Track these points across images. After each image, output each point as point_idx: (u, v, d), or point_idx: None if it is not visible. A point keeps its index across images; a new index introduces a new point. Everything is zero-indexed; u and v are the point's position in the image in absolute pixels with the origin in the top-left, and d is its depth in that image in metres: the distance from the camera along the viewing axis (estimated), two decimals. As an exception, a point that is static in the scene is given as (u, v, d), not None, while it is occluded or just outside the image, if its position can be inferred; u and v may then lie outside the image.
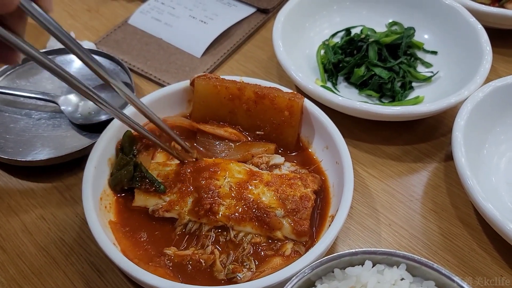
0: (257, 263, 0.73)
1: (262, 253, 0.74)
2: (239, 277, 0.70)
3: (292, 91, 0.87)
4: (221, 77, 0.89)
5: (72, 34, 1.16)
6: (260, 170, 0.81)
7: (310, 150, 0.89)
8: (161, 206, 0.77)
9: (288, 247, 0.73)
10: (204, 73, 0.89)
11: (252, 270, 0.71)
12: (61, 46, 1.06)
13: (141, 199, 0.78)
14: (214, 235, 0.76)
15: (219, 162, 0.81)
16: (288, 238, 0.75)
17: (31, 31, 1.20)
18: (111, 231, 0.76)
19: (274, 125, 0.87)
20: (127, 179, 0.79)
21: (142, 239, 0.76)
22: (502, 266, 0.79)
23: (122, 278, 0.78)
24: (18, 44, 0.57)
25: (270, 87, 0.88)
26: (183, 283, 0.69)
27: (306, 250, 0.72)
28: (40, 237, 0.83)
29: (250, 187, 0.77)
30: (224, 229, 0.76)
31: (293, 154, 0.89)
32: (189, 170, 0.79)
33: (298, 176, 0.80)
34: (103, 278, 0.78)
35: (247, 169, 0.80)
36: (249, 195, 0.76)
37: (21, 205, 0.87)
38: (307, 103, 0.87)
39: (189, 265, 0.72)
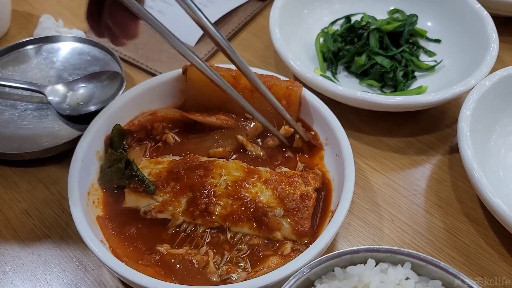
0: (252, 262, 0.69)
1: (260, 254, 0.70)
2: (233, 277, 0.66)
3: (289, 79, 0.83)
4: (216, 65, 0.85)
5: (61, 22, 1.11)
6: (259, 168, 0.77)
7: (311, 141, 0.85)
8: (153, 207, 0.73)
9: (288, 247, 0.69)
10: (197, 61, 0.85)
11: (247, 270, 0.67)
12: (48, 34, 1.04)
13: (132, 200, 0.74)
14: (209, 235, 0.72)
15: (214, 159, 0.77)
16: (288, 239, 0.71)
17: (18, 20, 1.17)
18: (99, 227, 0.72)
19: (271, 115, 0.83)
20: (117, 176, 0.75)
21: (131, 235, 0.72)
22: (510, 263, 0.76)
23: (110, 276, 0.74)
24: (142, 12, 0.63)
25: (266, 75, 0.84)
26: (175, 283, 0.65)
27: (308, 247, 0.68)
28: (24, 233, 0.79)
29: (247, 186, 0.72)
30: (220, 230, 0.72)
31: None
32: (182, 168, 0.75)
33: (299, 173, 0.76)
34: (90, 277, 0.74)
35: (244, 166, 0.76)
36: (247, 194, 0.72)
37: (4, 199, 0.83)
38: (306, 92, 0.83)
39: (180, 265, 0.68)
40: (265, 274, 0.62)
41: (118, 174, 0.75)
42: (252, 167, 0.77)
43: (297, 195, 0.71)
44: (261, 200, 0.71)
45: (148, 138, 0.84)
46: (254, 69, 0.85)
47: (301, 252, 0.65)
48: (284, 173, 0.76)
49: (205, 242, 0.71)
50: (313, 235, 0.71)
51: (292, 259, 0.64)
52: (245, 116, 0.85)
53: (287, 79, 0.84)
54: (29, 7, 1.20)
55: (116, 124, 0.80)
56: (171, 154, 0.81)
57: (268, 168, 0.77)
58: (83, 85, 0.93)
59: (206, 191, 0.72)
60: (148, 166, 0.77)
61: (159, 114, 0.84)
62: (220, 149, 0.80)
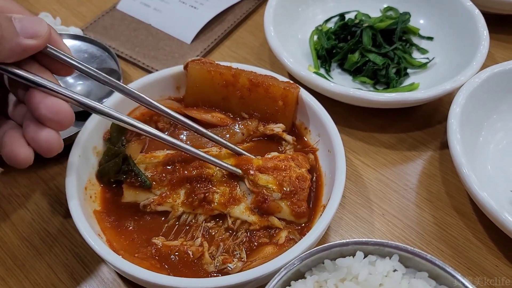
0: (248, 252, 0.71)
1: (256, 242, 0.72)
2: (230, 267, 0.68)
3: (288, 80, 0.85)
4: (216, 62, 0.86)
5: (58, 20, 1.12)
6: (250, 155, 0.78)
7: (305, 138, 0.86)
8: (152, 200, 0.74)
9: (282, 235, 0.71)
10: (199, 58, 0.87)
11: (243, 259, 0.69)
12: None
13: (130, 195, 0.76)
14: (203, 226, 0.74)
15: (208, 149, 0.79)
16: (287, 221, 0.74)
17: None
18: (96, 221, 0.74)
19: (267, 114, 0.85)
20: (114, 171, 0.76)
21: (128, 229, 0.74)
22: (497, 256, 0.78)
23: (107, 269, 0.76)
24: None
25: (265, 75, 0.85)
26: (171, 275, 0.67)
27: (302, 237, 0.70)
28: (23, 227, 0.80)
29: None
30: (221, 218, 0.74)
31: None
32: (177, 161, 0.77)
33: (290, 156, 0.78)
34: (88, 270, 0.75)
35: (236, 155, 0.78)
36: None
37: (3, 195, 0.85)
38: (301, 90, 0.85)
39: (176, 257, 0.70)
40: (260, 264, 0.64)
41: (115, 169, 0.76)
42: (244, 156, 0.78)
43: (293, 177, 0.74)
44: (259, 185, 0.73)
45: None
46: (250, 67, 0.87)
47: (296, 242, 0.67)
48: (275, 157, 0.77)
49: (200, 233, 0.73)
50: (310, 216, 0.73)
51: (286, 249, 0.66)
52: (241, 116, 0.87)
53: (285, 79, 0.85)
54: (27, 4, 1.22)
55: None
56: (165, 149, 0.83)
57: (259, 156, 0.79)
58: (81, 82, 0.95)
59: (203, 181, 0.73)
60: (144, 161, 0.78)
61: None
62: (215, 150, 0.82)
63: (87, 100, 0.63)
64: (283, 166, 0.75)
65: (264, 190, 0.73)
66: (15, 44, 0.55)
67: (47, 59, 0.62)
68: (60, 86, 0.60)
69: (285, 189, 0.73)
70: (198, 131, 0.75)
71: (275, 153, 0.80)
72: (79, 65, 0.66)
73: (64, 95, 0.60)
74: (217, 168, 0.75)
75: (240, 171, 0.74)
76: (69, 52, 0.64)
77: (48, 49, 0.61)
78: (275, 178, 0.74)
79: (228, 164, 0.74)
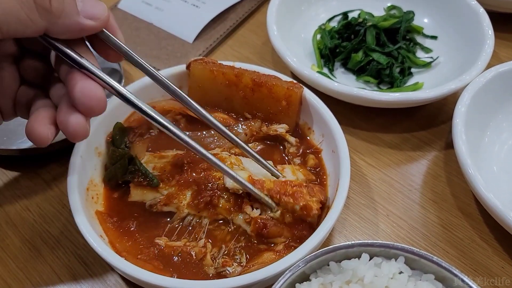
0: (248, 258, 0.70)
1: (255, 248, 0.71)
2: (229, 271, 0.68)
3: (291, 80, 0.84)
4: (219, 62, 0.85)
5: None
6: (262, 178, 0.74)
7: (309, 138, 0.85)
8: (159, 200, 0.74)
9: (281, 245, 0.71)
10: (201, 57, 0.86)
11: (242, 264, 0.69)
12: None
13: (137, 194, 0.75)
14: (207, 228, 0.73)
15: (217, 152, 0.78)
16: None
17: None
18: (98, 222, 0.73)
19: (270, 114, 0.84)
20: (121, 173, 0.76)
21: (130, 229, 0.73)
22: (503, 257, 0.77)
23: (110, 271, 0.75)
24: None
25: (269, 75, 0.84)
26: (174, 276, 0.67)
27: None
28: (25, 229, 0.80)
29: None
30: (224, 222, 0.73)
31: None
32: (186, 161, 0.76)
33: (304, 184, 0.73)
34: (90, 272, 0.75)
35: (248, 174, 0.74)
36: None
37: (5, 196, 0.84)
38: (304, 90, 0.84)
39: (178, 257, 0.70)
40: (260, 269, 0.63)
41: (121, 170, 0.76)
42: (256, 178, 0.73)
43: (299, 207, 0.71)
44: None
45: (149, 132, 0.85)
46: (253, 67, 0.86)
47: (296, 247, 0.66)
48: (288, 182, 0.73)
49: (204, 234, 0.72)
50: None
51: (287, 254, 0.65)
52: (244, 116, 0.86)
53: (289, 79, 0.84)
54: (28, 4, 1.21)
55: (117, 122, 0.81)
56: (174, 149, 0.82)
57: (273, 178, 0.75)
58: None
59: (210, 184, 0.73)
60: (153, 161, 0.78)
61: (157, 106, 0.85)
62: (219, 150, 0.81)
63: (125, 91, 0.62)
64: (294, 193, 0.71)
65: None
66: (73, 21, 0.55)
67: (99, 42, 0.63)
68: (102, 72, 0.59)
69: (287, 219, 0.71)
70: (221, 131, 0.73)
71: (291, 176, 0.76)
72: (130, 54, 0.66)
73: (105, 82, 0.59)
74: None
75: (274, 205, 0.71)
76: (123, 40, 0.65)
77: (103, 33, 0.61)
78: (281, 205, 0.71)
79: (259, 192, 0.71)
